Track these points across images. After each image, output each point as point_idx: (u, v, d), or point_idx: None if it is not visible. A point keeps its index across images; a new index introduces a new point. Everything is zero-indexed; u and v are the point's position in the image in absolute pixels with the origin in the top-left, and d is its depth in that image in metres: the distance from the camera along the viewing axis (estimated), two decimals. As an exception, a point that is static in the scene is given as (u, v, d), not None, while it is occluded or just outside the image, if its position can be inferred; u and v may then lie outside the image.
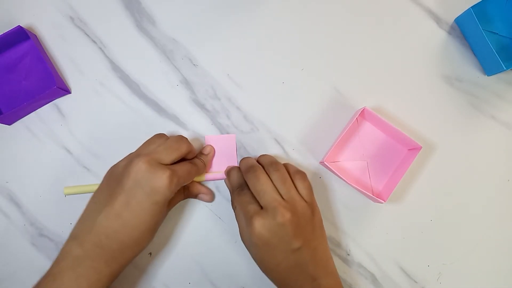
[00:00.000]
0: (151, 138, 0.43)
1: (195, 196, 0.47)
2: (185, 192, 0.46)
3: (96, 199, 0.40)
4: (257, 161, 0.45)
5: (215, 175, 0.47)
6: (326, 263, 0.42)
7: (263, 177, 0.41)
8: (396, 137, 0.47)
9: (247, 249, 0.42)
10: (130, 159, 0.40)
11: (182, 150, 0.42)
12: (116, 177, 0.40)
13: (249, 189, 0.42)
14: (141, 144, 0.43)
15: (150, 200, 0.38)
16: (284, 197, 0.40)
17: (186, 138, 0.43)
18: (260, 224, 0.39)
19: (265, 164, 0.43)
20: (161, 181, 0.38)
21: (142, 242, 0.40)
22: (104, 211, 0.38)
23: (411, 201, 0.48)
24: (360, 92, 0.49)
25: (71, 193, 0.46)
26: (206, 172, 0.47)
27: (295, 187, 0.42)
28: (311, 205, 0.42)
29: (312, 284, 0.40)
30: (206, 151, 0.47)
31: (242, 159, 0.45)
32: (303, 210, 0.41)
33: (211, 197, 0.47)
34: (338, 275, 0.43)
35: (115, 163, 0.42)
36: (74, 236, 0.39)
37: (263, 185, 0.40)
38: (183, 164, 0.42)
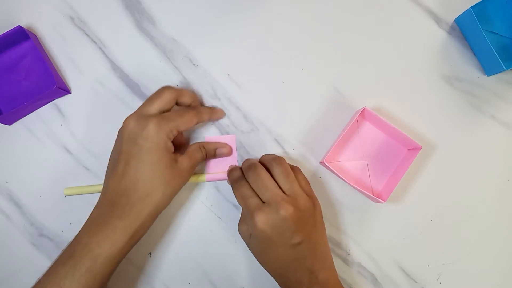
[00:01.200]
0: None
1: (214, 153, 0.47)
2: (202, 151, 0.45)
3: (108, 167, 0.43)
4: (259, 161, 0.45)
5: (215, 176, 0.47)
6: (325, 257, 0.42)
7: (262, 173, 0.41)
8: (396, 137, 0.47)
9: (244, 239, 0.42)
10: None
11: (164, 97, 0.42)
12: (117, 142, 0.42)
13: (247, 182, 0.42)
14: None
15: (144, 150, 0.39)
16: (286, 192, 0.41)
17: (171, 87, 0.44)
18: (262, 219, 0.39)
19: (267, 159, 0.43)
20: (148, 129, 0.39)
21: (152, 195, 0.40)
22: (111, 176, 0.41)
23: (411, 201, 0.48)
24: (360, 92, 0.49)
25: (71, 194, 0.46)
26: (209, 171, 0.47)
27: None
28: (312, 198, 0.43)
29: (310, 276, 0.40)
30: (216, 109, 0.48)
31: (244, 161, 0.45)
32: (305, 204, 0.41)
33: (229, 148, 0.47)
34: (335, 269, 0.43)
35: None
36: (97, 203, 0.42)
37: (264, 180, 0.40)
38: (175, 109, 0.43)
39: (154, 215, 0.41)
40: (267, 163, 0.43)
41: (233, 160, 0.48)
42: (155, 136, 0.39)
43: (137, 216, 0.39)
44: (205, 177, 0.47)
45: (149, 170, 0.40)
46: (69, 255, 0.38)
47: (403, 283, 0.48)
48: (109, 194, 0.40)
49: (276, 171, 0.42)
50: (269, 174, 0.41)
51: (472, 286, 0.48)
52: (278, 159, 0.42)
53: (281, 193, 0.40)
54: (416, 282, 0.48)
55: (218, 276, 0.47)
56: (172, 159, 0.41)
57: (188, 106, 0.45)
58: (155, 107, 0.41)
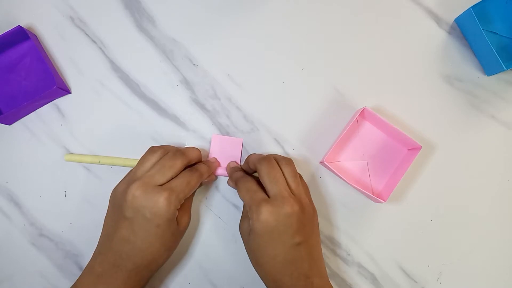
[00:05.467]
0: (145, 154, 0.42)
1: (201, 185, 0.46)
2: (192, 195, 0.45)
3: (107, 223, 0.42)
4: None
5: (218, 171, 0.47)
6: (320, 264, 0.42)
7: (277, 167, 0.41)
8: (396, 137, 0.47)
9: (243, 238, 0.42)
10: (128, 182, 0.40)
11: (177, 167, 0.41)
12: (117, 204, 0.40)
13: (253, 177, 0.42)
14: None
15: (152, 224, 0.39)
16: (293, 191, 0.41)
17: (182, 152, 0.42)
18: (268, 211, 0.38)
19: (277, 158, 0.43)
20: (159, 204, 0.38)
21: (157, 260, 0.41)
22: (114, 237, 0.40)
23: (411, 201, 0.48)
24: (360, 92, 0.49)
25: (71, 160, 0.47)
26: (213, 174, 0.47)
27: None
28: (313, 205, 0.43)
29: (306, 281, 0.40)
30: (211, 160, 0.47)
31: (252, 154, 0.45)
32: (308, 207, 0.41)
33: (213, 176, 0.47)
34: (328, 279, 0.43)
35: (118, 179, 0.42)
36: (95, 255, 0.41)
37: (277, 173, 0.40)
38: (181, 175, 0.41)
39: (153, 274, 0.42)
40: (277, 160, 0.43)
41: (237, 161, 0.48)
42: (166, 213, 0.38)
43: (141, 279, 0.41)
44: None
45: (156, 242, 0.39)
46: None
47: (403, 283, 0.48)
48: (111, 255, 0.40)
49: (286, 170, 0.41)
50: (280, 170, 0.41)
51: (472, 286, 0.48)
52: (288, 159, 0.43)
53: (289, 190, 0.40)
54: (416, 282, 0.48)
55: (218, 276, 0.47)
56: (175, 225, 0.41)
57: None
58: (167, 177, 0.40)
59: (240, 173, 0.44)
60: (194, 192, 0.45)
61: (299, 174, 0.44)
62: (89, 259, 0.41)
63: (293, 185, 0.41)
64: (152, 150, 0.42)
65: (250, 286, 0.47)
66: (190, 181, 0.41)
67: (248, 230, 0.41)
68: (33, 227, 0.48)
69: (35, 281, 0.47)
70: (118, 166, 0.47)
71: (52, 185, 0.48)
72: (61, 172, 0.48)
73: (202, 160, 0.47)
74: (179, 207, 0.40)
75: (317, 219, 0.44)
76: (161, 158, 0.41)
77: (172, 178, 0.40)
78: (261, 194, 0.40)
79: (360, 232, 0.48)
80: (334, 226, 0.48)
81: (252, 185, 0.41)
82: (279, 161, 0.42)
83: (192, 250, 0.47)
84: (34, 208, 0.48)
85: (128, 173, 0.42)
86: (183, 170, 0.42)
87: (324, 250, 0.48)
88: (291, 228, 0.39)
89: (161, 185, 0.39)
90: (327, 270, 0.47)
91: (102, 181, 0.48)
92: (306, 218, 0.41)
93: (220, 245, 0.47)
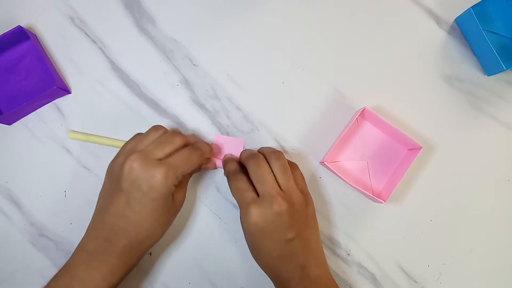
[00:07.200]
0: (148, 130, 0.43)
1: (199, 169, 0.46)
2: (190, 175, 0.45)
3: (102, 197, 0.42)
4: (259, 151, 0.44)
5: (217, 162, 0.47)
6: (316, 254, 0.42)
7: (264, 165, 0.41)
8: (396, 137, 0.47)
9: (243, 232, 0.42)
10: (126, 155, 0.40)
11: (176, 143, 0.41)
12: (114, 176, 0.40)
13: (244, 175, 0.42)
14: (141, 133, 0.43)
15: (148, 197, 0.38)
16: (282, 187, 0.41)
17: (182, 133, 0.42)
18: (256, 213, 0.39)
19: (267, 152, 0.43)
20: (156, 178, 0.38)
21: (152, 236, 0.40)
22: (108, 211, 0.39)
23: (411, 201, 0.48)
24: (360, 92, 0.49)
25: (74, 138, 0.47)
26: (215, 157, 0.47)
27: None
28: (306, 196, 0.43)
29: (302, 272, 0.40)
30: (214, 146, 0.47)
31: (243, 151, 0.45)
32: (299, 201, 0.41)
33: (213, 163, 0.47)
34: (327, 266, 0.43)
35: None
36: (89, 231, 0.41)
37: (263, 172, 0.40)
38: (182, 152, 0.41)
39: (148, 250, 0.42)
40: (266, 156, 0.43)
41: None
42: (163, 187, 0.38)
43: (135, 255, 0.40)
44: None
45: (151, 217, 0.39)
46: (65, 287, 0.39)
47: (403, 283, 0.48)
48: (105, 230, 0.39)
49: (275, 166, 0.41)
50: (269, 167, 0.41)
51: (472, 286, 0.48)
52: (277, 153, 0.42)
53: (278, 188, 0.40)
54: (416, 282, 0.48)
55: (218, 276, 0.47)
56: (171, 201, 0.40)
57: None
58: (165, 152, 0.40)
59: (232, 167, 0.44)
60: (193, 171, 0.45)
61: (294, 163, 0.44)
62: None
63: (282, 181, 0.41)
64: (155, 127, 0.43)
65: (250, 286, 0.47)
66: (189, 158, 0.41)
67: (243, 227, 0.41)
68: (33, 227, 0.48)
69: (35, 281, 0.47)
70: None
71: (52, 185, 0.48)
72: (61, 172, 0.48)
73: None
74: (176, 183, 0.40)
75: (312, 209, 0.43)
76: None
77: (172, 154, 0.40)
78: (250, 194, 0.40)
79: (360, 232, 0.48)
80: (334, 226, 0.48)
81: (242, 183, 0.41)
82: (268, 156, 0.42)
83: (192, 250, 0.47)
84: (34, 208, 0.48)
85: (126, 146, 0.42)
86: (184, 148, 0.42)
87: (324, 250, 0.48)
88: (282, 225, 0.39)
89: (160, 159, 0.39)
90: (327, 270, 0.47)
91: (102, 181, 0.48)
92: (298, 213, 0.41)
93: (220, 245, 0.47)
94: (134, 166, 0.38)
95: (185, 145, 0.42)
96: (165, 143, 0.40)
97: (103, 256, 0.39)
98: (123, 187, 0.39)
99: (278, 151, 0.43)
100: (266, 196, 0.39)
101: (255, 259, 0.42)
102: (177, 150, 0.41)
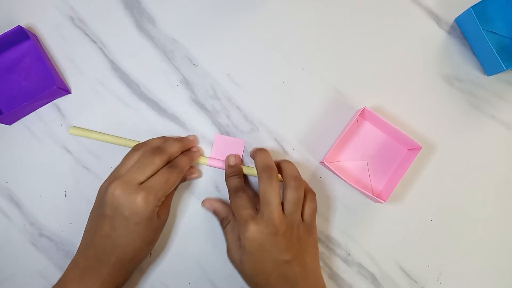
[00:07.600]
0: (128, 153, 0.43)
1: (184, 180, 0.47)
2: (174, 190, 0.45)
3: (91, 218, 0.43)
4: (278, 164, 0.44)
5: (217, 163, 0.47)
6: (316, 281, 0.42)
7: (275, 185, 0.40)
8: (396, 137, 0.47)
9: (237, 267, 0.42)
10: (110, 180, 0.41)
11: (156, 164, 0.41)
12: (101, 200, 0.41)
13: (245, 192, 0.43)
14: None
15: (131, 222, 0.39)
16: (286, 213, 0.41)
17: (161, 149, 0.42)
18: (254, 229, 0.39)
19: (288, 175, 0.42)
20: (136, 204, 0.39)
21: (139, 255, 0.42)
22: (97, 232, 0.41)
23: (411, 201, 0.48)
24: (360, 92, 0.49)
25: (75, 134, 0.47)
26: (215, 157, 0.47)
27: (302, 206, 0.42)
28: (310, 227, 0.43)
29: None
30: (190, 142, 0.47)
31: (258, 151, 0.44)
32: (298, 229, 0.41)
33: (198, 173, 0.47)
34: None
35: (115, 163, 0.42)
36: (80, 249, 0.42)
37: (272, 194, 0.40)
38: (160, 173, 0.41)
39: (138, 266, 0.44)
40: (285, 179, 0.42)
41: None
42: (145, 211, 0.39)
43: (125, 272, 0.42)
44: (207, 160, 0.47)
45: (137, 238, 0.40)
46: None
47: (403, 283, 0.48)
48: (95, 251, 0.40)
49: (290, 195, 0.41)
50: (279, 188, 0.41)
51: (472, 286, 0.48)
52: (298, 182, 0.41)
53: (280, 211, 0.40)
54: (416, 282, 0.48)
55: (218, 276, 0.47)
56: (156, 220, 0.41)
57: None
58: (146, 175, 0.40)
59: (234, 184, 0.44)
60: (176, 187, 0.45)
61: (313, 193, 0.44)
62: None
63: (288, 210, 0.41)
64: (135, 148, 0.43)
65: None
66: (169, 179, 0.41)
67: (238, 256, 0.42)
68: (33, 227, 0.48)
69: (35, 281, 0.47)
70: (121, 146, 0.47)
71: (52, 185, 0.48)
72: (61, 172, 0.48)
73: (199, 147, 0.48)
74: (159, 204, 0.40)
75: (315, 239, 0.43)
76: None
77: (152, 175, 0.41)
78: (248, 211, 0.41)
79: (360, 232, 0.48)
80: (334, 226, 0.48)
81: (243, 202, 0.42)
82: (287, 180, 0.41)
83: (192, 250, 0.47)
84: (34, 208, 0.48)
85: (113, 170, 0.43)
86: (164, 166, 0.42)
87: (324, 250, 0.48)
88: (278, 246, 0.40)
89: (141, 183, 0.40)
90: (327, 271, 0.47)
91: (102, 181, 0.48)
92: (296, 238, 0.41)
93: (220, 245, 0.47)
94: (115, 193, 0.39)
95: (168, 161, 0.42)
96: (146, 166, 0.41)
97: (95, 273, 0.40)
98: (106, 213, 0.40)
99: (300, 178, 0.42)
100: (265, 216, 0.40)
101: (252, 282, 0.42)
102: (158, 170, 0.41)
